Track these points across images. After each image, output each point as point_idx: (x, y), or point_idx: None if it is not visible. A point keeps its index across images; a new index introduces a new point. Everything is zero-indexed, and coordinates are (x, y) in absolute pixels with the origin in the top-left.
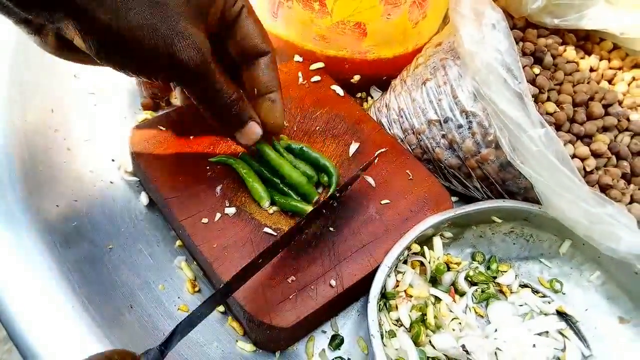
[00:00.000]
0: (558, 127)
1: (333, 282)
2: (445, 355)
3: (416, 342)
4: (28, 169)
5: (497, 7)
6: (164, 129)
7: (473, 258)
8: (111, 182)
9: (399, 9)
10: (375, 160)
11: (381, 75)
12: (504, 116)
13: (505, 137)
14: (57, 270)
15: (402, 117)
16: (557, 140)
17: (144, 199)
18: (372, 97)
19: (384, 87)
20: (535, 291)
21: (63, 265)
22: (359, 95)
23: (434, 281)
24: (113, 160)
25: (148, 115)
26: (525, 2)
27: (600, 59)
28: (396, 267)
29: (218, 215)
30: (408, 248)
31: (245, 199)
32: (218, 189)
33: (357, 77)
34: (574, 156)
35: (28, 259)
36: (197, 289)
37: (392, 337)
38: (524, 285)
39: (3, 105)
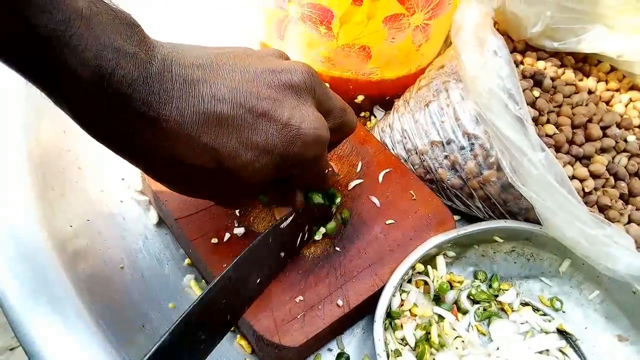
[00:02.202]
0: (557, 149)
1: (340, 302)
2: None
3: None
4: (42, 189)
5: (498, 33)
6: None
7: (475, 277)
8: (121, 201)
9: (403, 33)
10: None
11: (385, 96)
12: (505, 139)
13: (506, 159)
14: (71, 289)
15: (405, 137)
16: (557, 163)
17: (153, 217)
18: (375, 117)
19: (387, 106)
20: (536, 309)
21: (77, 284)
22: (362, 114)
23: (437, 299)
24: (123, 179)
25: None
26: (525, 26)
27: (598, 81)
28: (401, 286)
29: (227, 235)
30: (412, 267)
31: (253, 219)
32: (227, 209)
33: (360, 98)
34: (572, 177)
35: (43, 278)
36: None
37: (398, 356)
38: (525, 304)
39: (17, 127)
